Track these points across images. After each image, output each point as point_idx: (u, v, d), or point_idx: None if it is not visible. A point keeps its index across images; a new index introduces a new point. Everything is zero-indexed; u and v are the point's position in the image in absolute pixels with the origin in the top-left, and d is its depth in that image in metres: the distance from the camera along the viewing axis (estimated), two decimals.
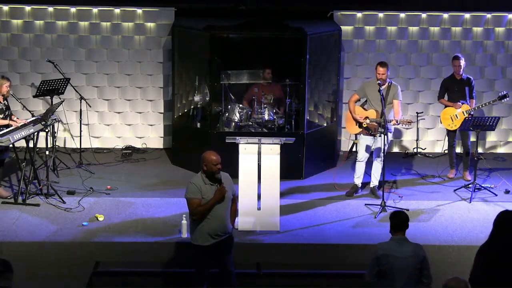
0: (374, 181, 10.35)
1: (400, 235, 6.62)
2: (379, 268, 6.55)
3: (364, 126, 10.12)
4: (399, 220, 6.65)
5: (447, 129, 11.04)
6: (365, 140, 10.22)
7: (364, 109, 10.24)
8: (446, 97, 10.99)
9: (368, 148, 10.22)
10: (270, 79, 11.45)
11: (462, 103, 10.72)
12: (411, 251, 6.56)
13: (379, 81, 9.98)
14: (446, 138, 11.27)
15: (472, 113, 10.68)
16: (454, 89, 10.88)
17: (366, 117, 10.12)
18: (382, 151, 9.91)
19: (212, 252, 7.48)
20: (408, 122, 9.95)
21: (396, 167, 11.60)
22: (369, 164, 10.36)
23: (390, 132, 10.22)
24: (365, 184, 10.50)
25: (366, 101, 10.29)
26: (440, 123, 11.22)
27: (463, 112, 10.65)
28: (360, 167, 10.33)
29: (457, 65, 10.80)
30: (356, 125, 10.21)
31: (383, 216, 9.59)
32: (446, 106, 10.93)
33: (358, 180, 10.40)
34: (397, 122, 9.97)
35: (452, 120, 10.71)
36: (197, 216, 7.38)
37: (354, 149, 11.80)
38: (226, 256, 7.63)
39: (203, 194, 7.37)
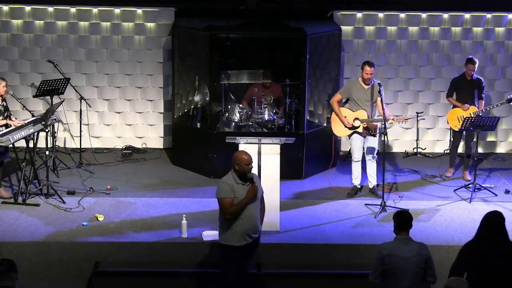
0: (372, 181, 10.35)
1: (404, 235, 6.63)
2: (384, 268, 6.55)
3: (364, 126, 10.13)
4: (403, 219, 6.66)
5: (453, 130, 11.03)
6: (358, 140, 10.23)
7: (349, 109, 10.25)
8: (454, 96, 10.99)
9: (361, 148, 10.24)
10: (270, 79, 11.44)
11: (470, 105, 10.71)
12: (415, 250, 6.56)
13: (379, 81, 10.03)
14: (451, 138, 11.27)
15: (481, 114, 10.67)
16: (463, 89, 10.85)
17: (356, 118, 10.13)
18: (382, 150, 9.93)
19: (242, 253, 7.41)
20: (405, 120, 10.13)
21: (396, 167, 11.60)
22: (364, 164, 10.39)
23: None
24: (363, 186, 10.52)
25: (346, 101, 10.30)
26: (447, 123, 11.21)
27: (470, 113, 10.63)
28: (357, 168, 10.33)
29: (472, 69, 10.73)
30: (346, 127, 10.23)
31: (383, 216, 9.60)
32: (454, 106, 10.92)
33: (356, 181, 10.39)
34: (394, 120, 10.02)
35: (459, 121, 10.68)
36: (230, 215, 7.27)
37: None
38: (250, 259, 7.59)
39: (235, 193, 7.29)
